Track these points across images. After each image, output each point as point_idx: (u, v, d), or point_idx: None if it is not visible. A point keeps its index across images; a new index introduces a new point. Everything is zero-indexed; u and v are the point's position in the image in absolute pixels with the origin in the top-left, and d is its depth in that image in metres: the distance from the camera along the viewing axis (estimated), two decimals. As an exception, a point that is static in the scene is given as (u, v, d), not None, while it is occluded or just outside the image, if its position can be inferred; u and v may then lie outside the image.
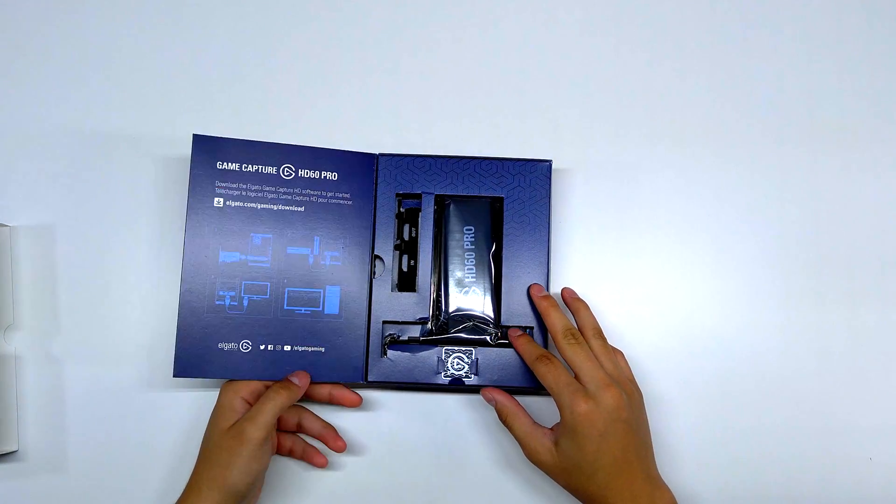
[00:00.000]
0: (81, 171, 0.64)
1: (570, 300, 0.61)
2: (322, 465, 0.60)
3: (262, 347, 0.58)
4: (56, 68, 0.66)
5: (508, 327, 0.60)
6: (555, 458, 0.54)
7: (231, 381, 0.57)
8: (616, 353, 0.58)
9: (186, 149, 0.60)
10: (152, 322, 0.62)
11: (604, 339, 0.58)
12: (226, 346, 0.58)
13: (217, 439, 0.54)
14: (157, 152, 0.65)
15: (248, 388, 0.56)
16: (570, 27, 0.68)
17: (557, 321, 0.57)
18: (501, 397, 0.58)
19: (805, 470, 0.63)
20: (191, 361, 0.57)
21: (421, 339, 0.60)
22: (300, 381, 0.57)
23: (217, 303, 0.58)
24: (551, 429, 0.56)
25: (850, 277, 0.65)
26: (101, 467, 0.61)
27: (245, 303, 0.58)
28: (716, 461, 0.63)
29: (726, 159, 0.66)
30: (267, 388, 0.57)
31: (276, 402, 0.54)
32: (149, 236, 0.64)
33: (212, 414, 0.56)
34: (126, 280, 0.63)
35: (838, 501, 0.62)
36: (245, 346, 0.58)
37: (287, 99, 0.66)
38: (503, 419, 0.57)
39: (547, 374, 0.55)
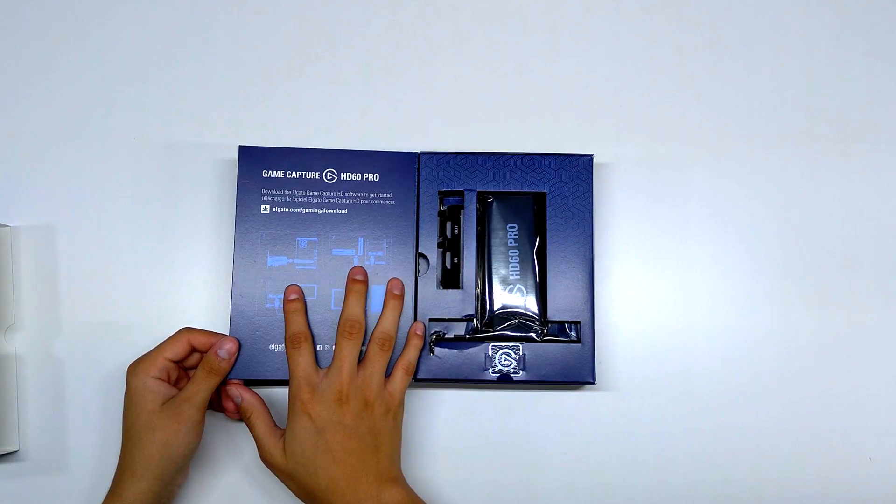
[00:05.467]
0: (82, 171, 0.64)
1: (387, 294, 0.59)
2: (233, 412, 0.59)
3: (311, 348, 0.60)
4: (57, 68, 0.66)
5: (553, 322, 0.60)
6: (284, 457, 0.54)
7: (134, 363, 0.57)
8: (399, 369, 0.57)
9: (186, 149, 0.61)
10: (153, 322, 0.62)
11: (385, 348, 0.57)
12: (276, 348, 0.59)
13: (147, 420, 0.55)
14: (159, 152, 0.65)
15: (155, 366, 0.56)
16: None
17: (347, 309, 0.58)
18: (248, 395, 0.57)
19: (805, 470, 0.62)
20: (244, 363, 0.59)
21: (467, 336, 0.61)
22: (228, 351, 0.57)
23: (267, 306, 0.60)
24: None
25: (849, 277, 0.64)
26: (101, 467, 0.60)
27: (294, 305, 0.60)
28: (716, 461, 0.62)
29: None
30: (168, 360, 0.57)
31: (210, 383, 0.56)
32: (150, 236, 0.64)
33: (128, 398, 0.56)
34: (126, 280, 0.63)
35: (838, 501, 0.62)
36: (295, 347, 0.60)
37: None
38: (246, 417, 0.57)
39: (291, 358, 0.56)
